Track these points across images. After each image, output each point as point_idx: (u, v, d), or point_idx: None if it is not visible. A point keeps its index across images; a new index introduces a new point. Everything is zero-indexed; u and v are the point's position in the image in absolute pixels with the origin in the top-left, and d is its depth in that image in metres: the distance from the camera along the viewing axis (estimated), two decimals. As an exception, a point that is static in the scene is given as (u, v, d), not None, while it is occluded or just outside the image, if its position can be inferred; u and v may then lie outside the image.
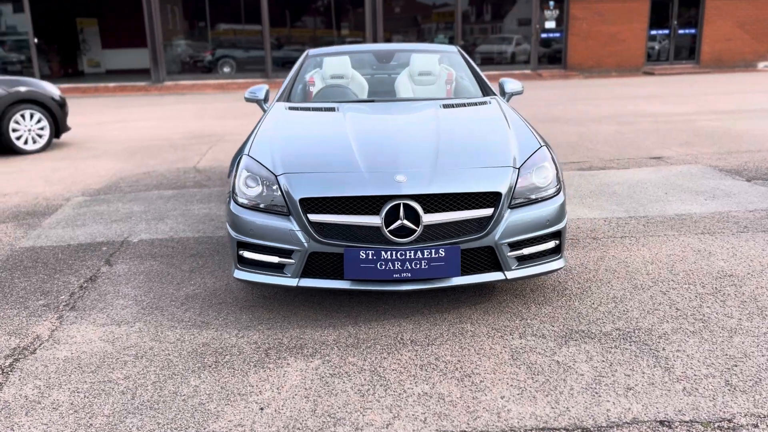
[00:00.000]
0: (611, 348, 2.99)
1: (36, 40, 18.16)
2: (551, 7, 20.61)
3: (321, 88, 4.97)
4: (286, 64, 19.49)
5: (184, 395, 2.69)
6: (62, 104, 8.92)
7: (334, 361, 2.93)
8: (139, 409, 2.60)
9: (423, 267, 3.13)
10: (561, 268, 3.45)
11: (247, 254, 3.34)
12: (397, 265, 3.12)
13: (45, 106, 8.65)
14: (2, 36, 18.67)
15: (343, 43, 20.17)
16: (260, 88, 4.91)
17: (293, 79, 4.95)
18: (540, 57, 20.79)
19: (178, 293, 3.76)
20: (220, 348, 3.08)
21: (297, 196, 3.19)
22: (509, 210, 3.26)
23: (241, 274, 3.37)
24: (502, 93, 4.96)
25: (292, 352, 3.02)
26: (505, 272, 3.29)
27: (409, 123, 3.92)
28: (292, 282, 3.25)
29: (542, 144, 3.64)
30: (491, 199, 3.21)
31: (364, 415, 2.52)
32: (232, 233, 3.38)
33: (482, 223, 3.19)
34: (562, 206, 3.42)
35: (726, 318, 3.25)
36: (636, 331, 3.14)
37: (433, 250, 3.12)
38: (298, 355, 3.00)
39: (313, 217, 3.17)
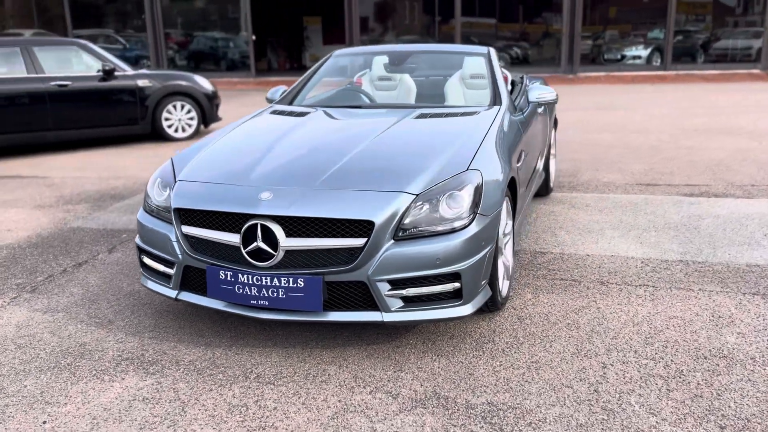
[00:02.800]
0: (455, 423, 2.42)
1: (254, 38, 20.03)
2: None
3: (337, 91, 4.74)
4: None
5: (6, 393, 2.74)
6: (212, 97, 9.71)
7: (163, 385, 2.77)
8: (-43, 399, 2.71)
9: (280, 296, 2.82)
10: (464, 316, 2.88)
11: (146, 260, 3.31)
12: (254, 291, 2.85)
13: (195, 98, 9.49)
14: (229, 33, 20.87)
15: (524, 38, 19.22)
16: (278, 90, 4.83)
17: (306, 79, 4.79)
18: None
19: (126, 289, 3.86)
20: (88, 351, 3.10)
21: (173, 206, 3.07)
22: (393, 242, 2.79)
23: (143, 280, 3.36)
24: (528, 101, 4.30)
25: (139, 367, 2.92)
26: (383, 313, 2.83)
27: (352, 135, 3.54)
28: (173, 294, 3.14)
29: (472, 168, 3.06)
30: (365, 228, 2.78)
31: (117, 450, 2.34)
32: (136, 238, 3.37)
33: (353, 255, 2.78)
34: (469, 242, 2.84)
35: (640, 421, 2.45)
36: (509, 410, 2.51)
37: (291, 279, 2.80)
38: (140, 371, 2.89)
39: (185, 228, 3.03)
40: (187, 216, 3.04)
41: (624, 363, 2.85)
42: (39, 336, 3.26)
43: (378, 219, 2.77)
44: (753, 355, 2.88)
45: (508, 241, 3.53)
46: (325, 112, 4.11)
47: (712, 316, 3.27)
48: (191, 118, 9.53)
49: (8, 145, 8.37)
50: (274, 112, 4.25)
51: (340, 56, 4.98)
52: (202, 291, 3.07)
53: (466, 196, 2.93)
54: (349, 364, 2.90)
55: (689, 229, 4.66)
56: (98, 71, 8.75)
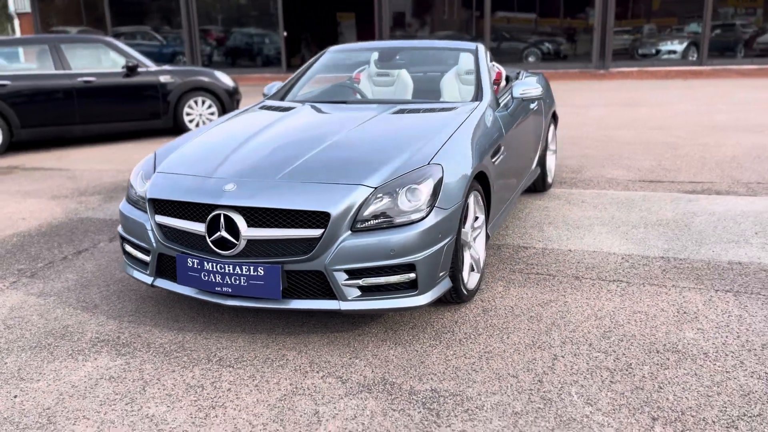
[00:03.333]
0: (395, 407, 2.51)
1: (285, 34, 20.30)
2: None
3: (331, 86, 4.85)
4: (500, 53, 19.04)
5: (-14, 369, 2.94)
6: (232, 93, 9.93)
7: (131, 365, 2.93)
8: (-58, 373, 2.92)
9: (242, 284, 2.96)
10: (420, 306, 2.97)
11: (127, 248, 3.47)
12: (218, 278, 2.99)
13: (216, 94, 9.73)
14: (264, 29, 21.18)
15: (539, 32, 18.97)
16: (274, 85, 4.96)
17: (300, 74, 4.90)
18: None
19: (117, 276, 4.05)
20: (69, 332, 3.28)
21: (148, 196, 3.23)
22: (350, 233, 2.89)
23: (125, 267, 3.53)
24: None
25: (113, 349, 3.09)
26: (340, 302, 2.94)
27: (326, 129, 3.64)
28: (149, 280, 3.30)
29: (433, 162, 3.14)
30: (322, 219, 2.88)
31: (75, 424, 2.50)
32: (119, 227, 3.54)
33: (310, 245, 2.89)
34: (424, 234, 2.92)
35: (582, 413, 2.50)
36: (450, 397, 2.59)
37: (252, 267, 2.93)
38: (113, 352, 3.06)
39: (158, 218, 3.18)
40: (160, 206, 3.19)
41: (575, 355, 2.89)
42: (28, 318, 3.46)
43: (334, 211, 2.87)
44: (707, 350, 2.90)
45: (478, 235, 3.60)
46: (310, 108, 4.23)
47: (677, 312, 3.28)
48: (212, 113, 9.77)
49: (37, 138, 8.73)
50: (262, 107, 4.39)
51: (336, 52, 5.09)
52: (174, 278, 3.22)
53: (424, 190, 3.00)
54: (308, 350, 3.02)
55: (680, 226, 4.63)
56: (122, 68, 9.04)
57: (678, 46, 18.43)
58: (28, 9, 21.46)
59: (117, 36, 21.01)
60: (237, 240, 2.93)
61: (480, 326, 3.20)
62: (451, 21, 21.03)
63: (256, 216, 2.94)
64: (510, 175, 4.21)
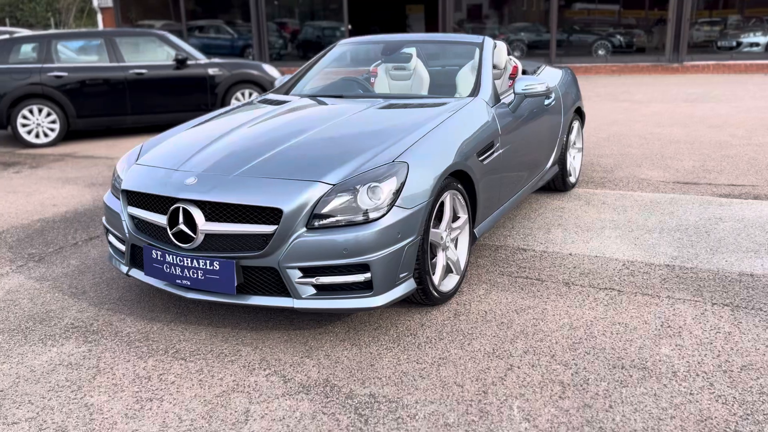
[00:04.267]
0: (326, 411, 2.46)
1: (350, 27, 20.39)
2: None
3: (340, 80, 4.80)
4: (568, 46, 18.41)
5: (-38, 349, 3.08)
6: (280, 85, 10.05)
7: (92, 353, 3.00)
8: None
9: (200, 277, 2.97)
10: (376, 307, 2.89)
11: (110, 237, 3.56)
12: (178, 271, 3.01)
13: (262, 87, 9.87)
14: (334, 21, 21.38)
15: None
16: (284, 78, 4.96)
17: (308, 68, 4.87)
18: None
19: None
20: (49, 317, 3.39)
21: (122, 187, 3.29)
22: (305, 230, 2.85)
23: (108, 256, 3.62)
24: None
25: (81, 335, 3.17)
26: (294, 300, 2.90)
27: (305, 124, 3.58)
28: (125, 270, 3.37)
29: (399, 160, 3.05)
30: (275, 215, 2.85)
31: (19, 408, 2.58)
32: (103, 217, 3.63)
33: (264, 241, 2.87)
34: (380, 234, 2.84)
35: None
36: (385, 403, 2.50)
37: (208, 261, 2.93)
38: (80, 339, 3.14)
39: (130, 209, 3.24)
40: (131, 197, 3.24)
41: (533, 366, 2.74)
42: (18, 301, 3.61)
43: (287, 207, 2.83)
44: (677, 369, 2.68)
45: (458, 236, 3.48)
46: (302, 102, 4.19)
47: (661, 326, 3.06)
48: (259, 106, 9.91)
49: (92, 128, 9.11)
50: (261, 101, 4.39)
51: (345, 45, 5.03)
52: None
53: (386, 188, 2.92)
54: (265, 346, 3.00)
55: (700, 232, 4.33)
56: (173, 60, 9.30)
57: (761, 38, 17.31)
58: (110, 4, 22.45)
59: (191, 30, 21.71)
60: (195, 234, 2.94)
61: (445, 331, 3.09)
62: (529, 12, 20.50)
63: (214, 210, 2.93)
64: (510, 173, 4.05)
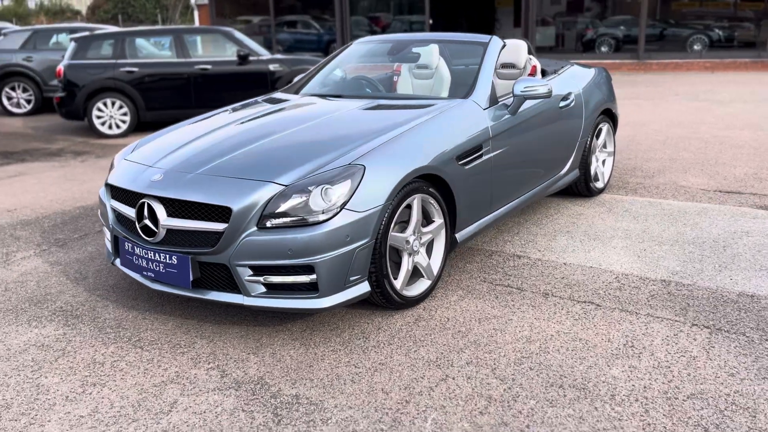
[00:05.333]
0: (246, 408, 2.51)
1: (431, 21, 20.29)
2: None
3: (352, 78, 4.81)
4: (661, 41, 17.46)
5: (-41, 325, 3.37)
6: (340, 81, 10.19)
7: (66, 336, 3.19)
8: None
9: (161, 270, 3.10)
10: (321, 309, 2.92)
11: (104, 229, 3.77)
12: (144, 263, 3.16)
13: (323, 82, 10.04)
14: (414, 16, 21.38)
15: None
16: (300, 78, 5.03)
17: (321, 66, 4.92)
18: None
19: (125, 252, 4.39)
20: (44, 300, 3.63)
21: (107, 180, 3.47)
22: (256, 229, 2.91)
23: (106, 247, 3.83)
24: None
25: (63, 319, 3.38)
26: (244, 297, 2.98)
27: (281, 125, 3.62)
28: (111, 259, 3.56)
29: (357, 162, 3.04)
30: (226, 213, 2.93)
31: (-19, 382, 2.80)
32: (99, 210, 3.84)
33: (216, 238, 2.95)
34: (326, 236, 2.85)
35: (422, 432, 2.32)
36: (305, 405, 2.53)
37: (168, 255, 3.06)
38: (62, 322, 3.35)
39: (112, 202, 3.42)
40: (113, 191, 3.42)
41: (468, 378, 2.68)
42: (26, 283, 3.89)
43: (236, 206, 2.90)
44: (618, 392, 2.54)
45: (429, 241, 3.42)
46: (295, 103, 4.24)
47: (624, 345, 2.90)
48: (320, 101, 10.10)
49: (159, 120, 9.60)
50: (265, 100, 4.48)
51: (361, 44, 5.04)
52: (128, 260, 3.44)
53: (339, 191, 2.93)
54: (220, 340, 3.09)
55: (716, 246, 4.04)
56: (236, 56, 9.64)
57: None
58: (205, 1, 23.47)
59: (279, 25, 22.36)
60: (157, 228, 3.07)
61: (398, 336, 3.06)
62: (634, 6, 19.63)
63: (175, 207, 3.05)
64: (507, 177, 3.94)
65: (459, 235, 3.63)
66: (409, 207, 3.25)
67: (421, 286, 3.39)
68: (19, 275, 4.02)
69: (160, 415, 2.50)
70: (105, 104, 9.25)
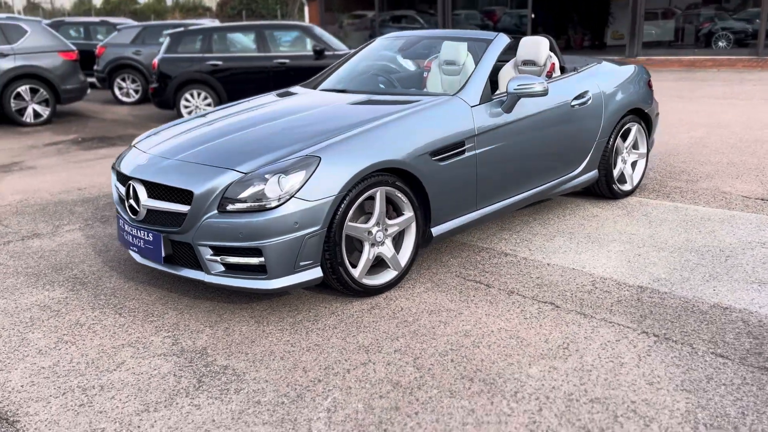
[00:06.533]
0: (179, 372, 2.77)
1: (533, 16, 19.86)
2: None
3: (369, 75, 4.95)
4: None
5: (-11, 284, 3.89)
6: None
7: (67, 299, 3.61)
8: (-35, 282, 3.93)
9: (142, 246, 3.43)
10: (270, 290, 3.13)
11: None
12: (131, 239, 3.51)
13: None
14: (524, 10, 21.03)
15: None
16: (324, 71, 5.23)
17: (343, 61, 5.08)
18: None
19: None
20: (65, 267, 4.09)
21: (114, 164, 3.86)
22: (217, 212, 3.16)
23: (123, 222, 4.24)
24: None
25: (72, 285, 3.80)
26: (205, 274, 3.25)
27: (267, 117, 3.85)
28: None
29: (313, 154, 3.22)
30: (189, 196, 3.20)
31: (-18, 333, 3.25)
32: (118, 190, 4.25)
33: (182, 219, 3.24)
34: (274, 222, 3.06)
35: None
36: (228, 374, 2.75)
37: (146, 233, 3.38)
38: (69, 287, 3.77)
39: (117, 184, 3.80)
40: (118, 174, 3.80)
41: (387, 365, 2.79)
42: (58, 252, 4.39)
43: (197, 190, 3.16)
44: (523, 390, 2.55)
45: (397, 233, 3.52)
46: (301, 96, 4.46)
47: (558, 346, 2.88)
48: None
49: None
50: (278, 93, 4.73)
51: (386, 40, 5.16)
52: (131, 236, 3.82)
53: (292, 180, 3.12)
54: (189, 313, 3.37)
55: (720, 256, 3.84)
56: (312, 51, 10.03)
57: None
58: (316, -4, 24.28)
59: (385, 21, 22.75)
60: (139, 208, 3.40)
61: (347, 321, 3.21)
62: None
63: (153, 189, 3.37)
64: (496, 175, 3.95)
65: (435, 230, 3.71)
66: (373, 199, 3.38)
67: (387, 276, 3.50)
68: (57, 245, 4.53)
69: (104, 373, 2.82)
70: (192, 95, 9.94)
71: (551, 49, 4.84)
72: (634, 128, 5.02)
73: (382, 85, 4.75)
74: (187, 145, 3.56)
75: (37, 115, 10.37)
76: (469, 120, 3.81)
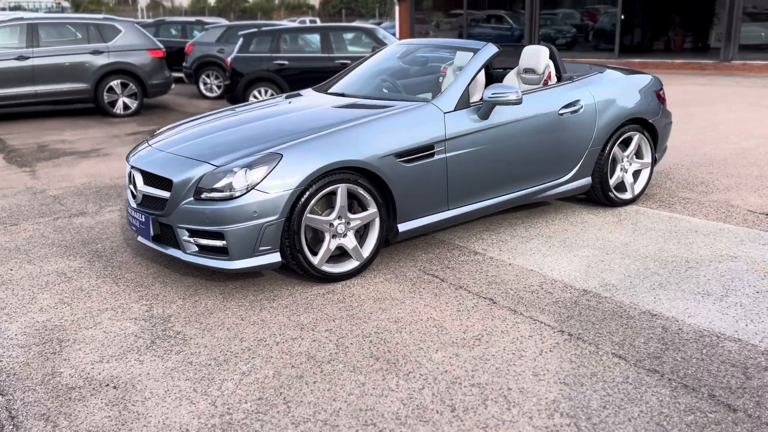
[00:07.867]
0: (140, 334, 3.25)
1: (622, 17, 19.30)
2: None
3: (376, 80, 5.27)
4: None
5: (5, 249, 4.56)
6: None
7: (81, 269, 4.20)
8: None
9: (140, 226, 3.97)
10: (231, 270, 3.56)
11: (141, 191, 4.75)
12: (132, 220, 4.05)
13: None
14: (594, 9, 20.53)
15: None
16: (337, 75, 5.60)
17: (356, 65, 5.42)
18: None
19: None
20: (91, 242, 4.71)
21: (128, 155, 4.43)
22: (193, 199, 3.63)
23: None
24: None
25: (93, 257, 4.40)
26: (183, 253, 3.72)
27: (261, 117, 4.27)
28: (133, 216, 4.53)
29: (276, 151, 3.62)
30: (170, 184, 3.69)
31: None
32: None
33: (164, 203, 3.73)
34: (235, 210, 3.48)
35: None
36: (179, 340, 3.20)
37: (141, 215, 3.91)
38: (87, 259, 4.36)
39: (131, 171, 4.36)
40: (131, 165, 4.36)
41: (313, 341, 3.14)
42: (93, 229, 5.03)
43: (176, 179, 3.64)
44: (419, 371, 2.83)
45: (359, 226, 3.85)
46: (303, 98, 4.85)
47: (473, 337, 3.13)
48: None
49: (304, 108, 10.78)
50: (287, 96, 5.14)
51: (401, 45, 5.46)
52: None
53: (255, 174, 3.53)
54: (173, 286, 3.86)
55: (681, 267, 3.90)
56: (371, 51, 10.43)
57: None
58: (407, -4, 24.67)
59: (474, 20, 22.86)
60: (137, 192, 3.93)
61: (300, 302, 3.58)
62: None
63: (147, 177, 3.88)
64: (467, 178, 4.18)
65: (402, 226, 4.01)
66: (334, 194, 3.73)
67: (348, 265, 3.85)
68: (95, 223, 5.19)
69: (82, 330, 3.34)
70: (259, 92, 10.62)
71: (551, 57, 4.98)
72: (636, 137, 5.07)
73: (385, 90, 5.06)
74: (181, 140, 4.06)
75: (126, 107, 11.39)
76: (440, 125, 4.07)
